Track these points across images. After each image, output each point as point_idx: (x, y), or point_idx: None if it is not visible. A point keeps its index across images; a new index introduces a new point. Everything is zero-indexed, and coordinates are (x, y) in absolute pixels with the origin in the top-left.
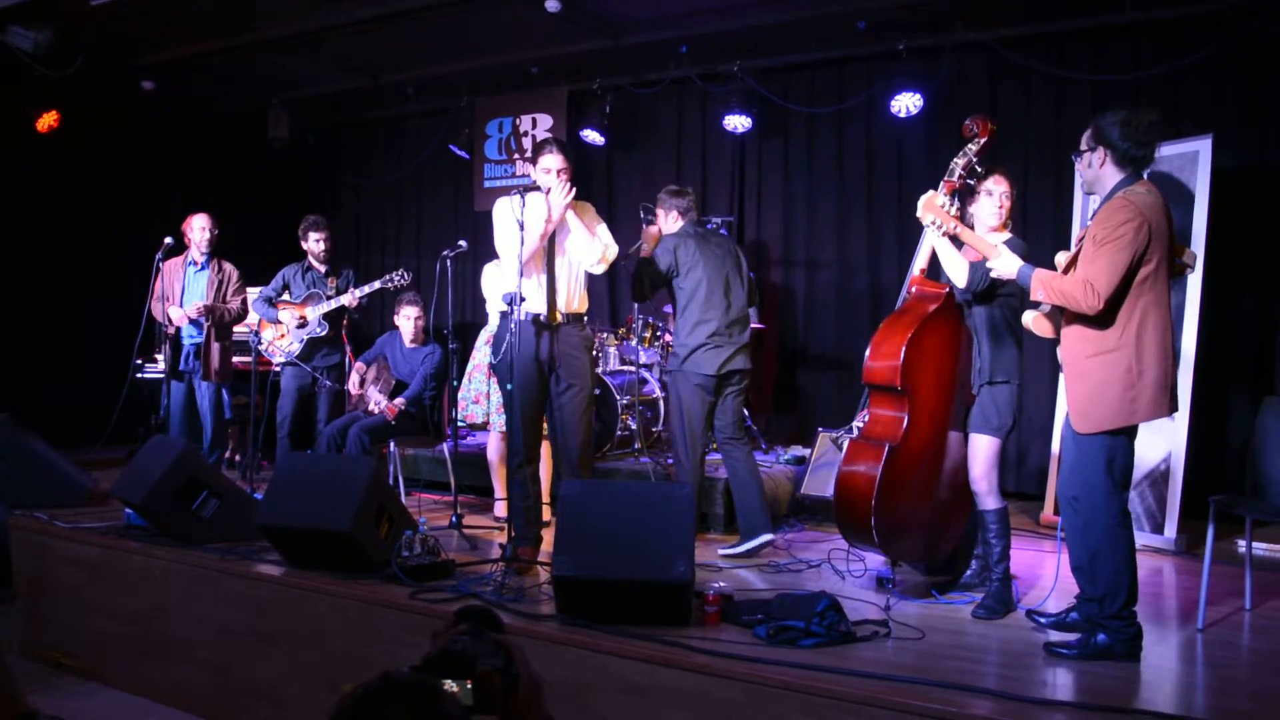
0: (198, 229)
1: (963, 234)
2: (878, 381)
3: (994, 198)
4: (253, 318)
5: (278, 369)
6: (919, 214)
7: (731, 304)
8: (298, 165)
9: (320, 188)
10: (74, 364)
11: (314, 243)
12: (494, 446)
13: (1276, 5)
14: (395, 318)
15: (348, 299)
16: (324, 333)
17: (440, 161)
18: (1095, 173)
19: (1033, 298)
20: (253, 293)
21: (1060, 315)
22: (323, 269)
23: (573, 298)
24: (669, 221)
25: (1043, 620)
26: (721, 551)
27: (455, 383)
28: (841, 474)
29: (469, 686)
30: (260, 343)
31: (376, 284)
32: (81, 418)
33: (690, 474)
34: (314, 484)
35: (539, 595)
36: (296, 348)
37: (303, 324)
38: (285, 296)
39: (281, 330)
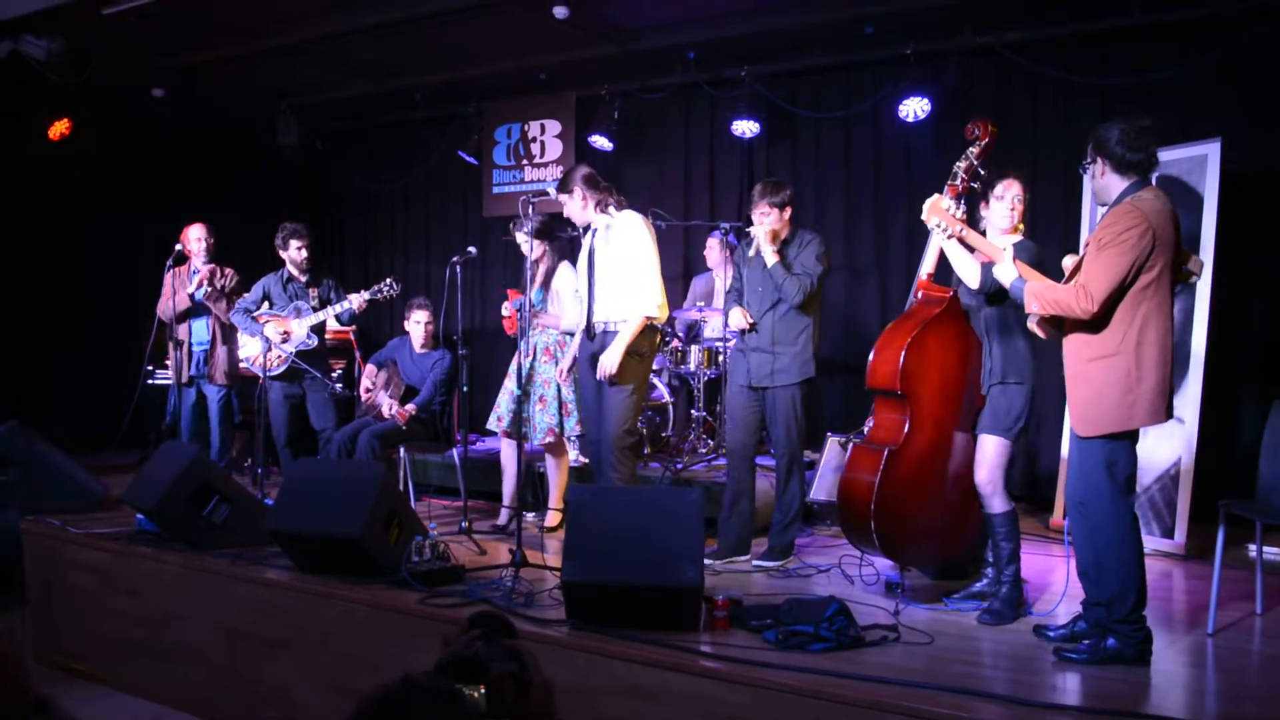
0: (194, 240)
1: (968, 237)
2: (879, 386)
3: (1005, 201)
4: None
5: (264, 382)
6: (924, 217)
7: None
8: (306, 171)
9: (329, 194)
10: (85, 370)
11: (295, 250)
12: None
13: None
14: (405, 323)
15: (334, 311)
16: (312, 345)
17: (449, 168)
18: (1100, 183)
19: (1027, 310)
20: None
21: (1060, 321)
22: (303, 279)
23: (612, 311)
24: (785, 219)
25: (1051, 634)
26: (757, 563)
27: (465, 389)
28: (843, 479)
29: (482, 692)
30: (247, 360)
31: (366, 295)
32: (93, 423)
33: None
34: (324, 490)
35: (548, 600)
36: (286, 362)
37: (287, 338)
38: (265, 308)
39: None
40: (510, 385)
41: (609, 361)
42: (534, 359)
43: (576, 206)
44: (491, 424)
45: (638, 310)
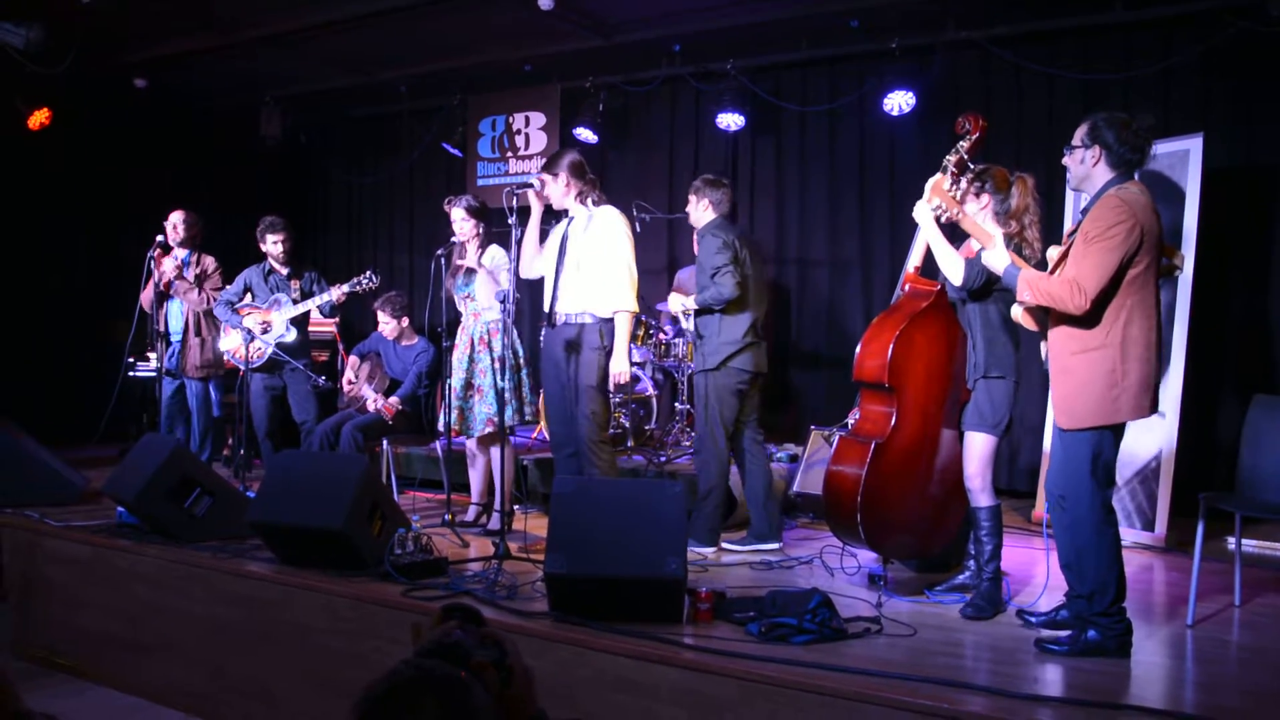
0: (171, 226)
1: (963, 221)
2: (866, 378)
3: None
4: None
5: (245, 374)
6: (925, 198)
7: (763, 304)
8: (290, 163)
9: (312, 185)
10: (66, 362)
11: (272, 245)
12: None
13: (1265, 5)
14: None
15: (313, 304)
16: (291, 337)
17: (433, 159)
18: (1086, 170)
19: (1019, 298)
20: None
21: (1046, 310)
22: (284, 271)
23: (580, 303)
24: (699, 209)
25: (1033, 619)
26: (725, 544)
27: (448, 380)
28: (829, 471)
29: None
30: (229, 352)
31: (345, 288)
32: (73, 416)
33: (721, 472)
34: (307, 482)
35: (532, 592)
36: (265, 354)
37: (267, 330)
38: (248, 300)
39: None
40: (453, 382)
41: (620, 370)
42: (472, 350)
43: (558, 190)
44: (440, 425)
45: (615, 306)
